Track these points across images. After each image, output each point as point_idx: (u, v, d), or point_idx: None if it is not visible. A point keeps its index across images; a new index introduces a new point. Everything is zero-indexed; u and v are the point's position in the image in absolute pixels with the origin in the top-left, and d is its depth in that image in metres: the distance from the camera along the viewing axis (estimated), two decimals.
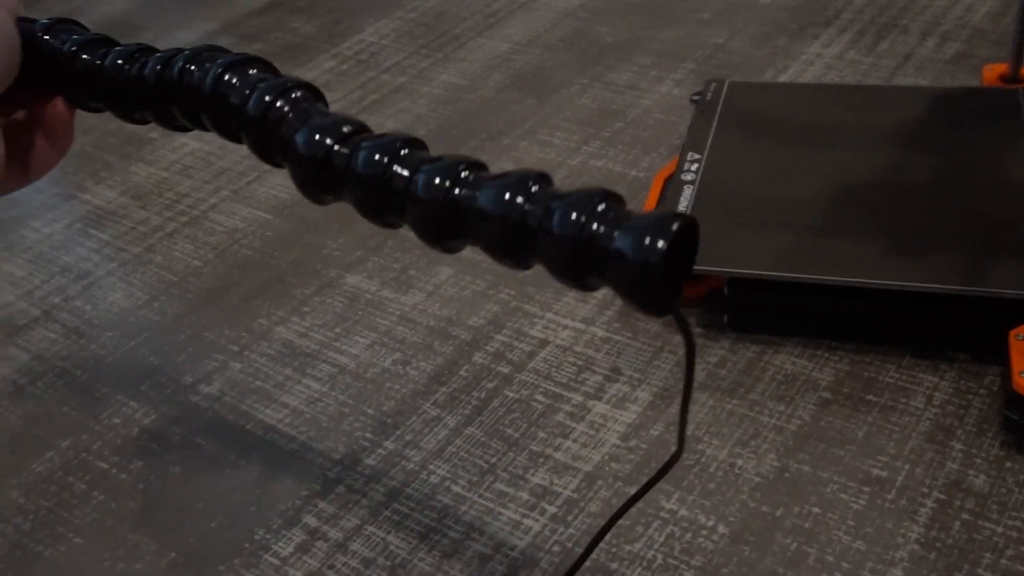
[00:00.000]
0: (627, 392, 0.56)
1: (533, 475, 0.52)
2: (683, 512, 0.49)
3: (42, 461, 0.56)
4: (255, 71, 0.39)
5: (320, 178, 0.37)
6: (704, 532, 0.48)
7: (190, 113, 0.40)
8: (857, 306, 0.56)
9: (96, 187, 0.80)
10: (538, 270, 0.65)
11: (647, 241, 0.31)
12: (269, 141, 0.38)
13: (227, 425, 0.57)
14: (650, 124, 0.79)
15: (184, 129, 0.41)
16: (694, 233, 0.33)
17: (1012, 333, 0.51)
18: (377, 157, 0.36)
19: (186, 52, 0.39)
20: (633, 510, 0.49)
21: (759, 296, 0.57)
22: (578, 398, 0.56)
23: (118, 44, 0.41)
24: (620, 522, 0.49)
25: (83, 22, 0.42)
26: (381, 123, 0.82)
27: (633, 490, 0.50)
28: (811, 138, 0.66)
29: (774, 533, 0.47)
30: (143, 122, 0.42)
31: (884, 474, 0.50)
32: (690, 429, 0.53)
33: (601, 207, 0.33)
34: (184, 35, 1.01)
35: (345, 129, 0.37)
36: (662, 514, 0.49)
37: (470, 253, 0.67)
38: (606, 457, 0.52)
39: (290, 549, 0.50)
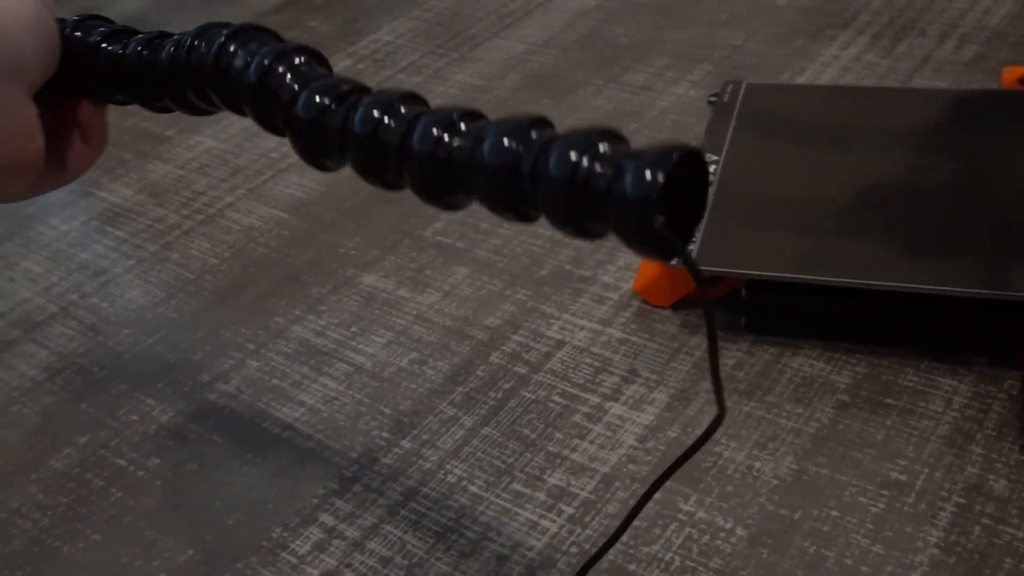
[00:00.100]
0: (644, 394, 0.56)
1: (550, 476, 0.52)
2: (701, 514, 0.49)
3: (60, 457, 0.56)
4: (256, 40, 0.39)
5: (317, 140, 0.37)
6: (722, 534, 0.48)
7: (199, 91, 0.40)
8: (875, 309, 0.56)
9: (113, 184, 0.80)
10: (553, 271, 0.65)
11: (644, 175, 0.30)
12: (268, 107, 0.38)
13: (244, 423, 0.57)
14: (666, 125, 0.79)
15: (203, 112, 0.41)
16: (700, 166, 0.32)
17: None
18: (374, 113, 0.35)
19: (195, 29, 0.40)
20: (650, 511, 0.49)
21: (777, 298, 0.57)
22: (595, 399, 0.56)
23: (140, 33, 0.42)
24: (637, 524, 0.49)
25: None
26: None
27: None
28: (829, 140, 0.66)
29: (792, 536, 0.47)
30: (167, 110, 0.42)
31: (903, 478, 0.49)
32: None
33: (598, 145, 0.32)
34: None
35: (343, 88, 0.36)
36: (680, 516, 0.49)
37: (486, 254, 0.67)
38: (623, 458, 0.52)
39: (307, 547, 0.50)
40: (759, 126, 0.68)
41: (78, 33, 0.41)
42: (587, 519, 0.49)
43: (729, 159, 0.64)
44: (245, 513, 0.52)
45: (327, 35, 0.99)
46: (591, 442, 0.53)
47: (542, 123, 0.34)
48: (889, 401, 0.54)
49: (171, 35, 0.41)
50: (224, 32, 0.39)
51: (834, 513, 0.48)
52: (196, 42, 0.39)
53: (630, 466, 0.52)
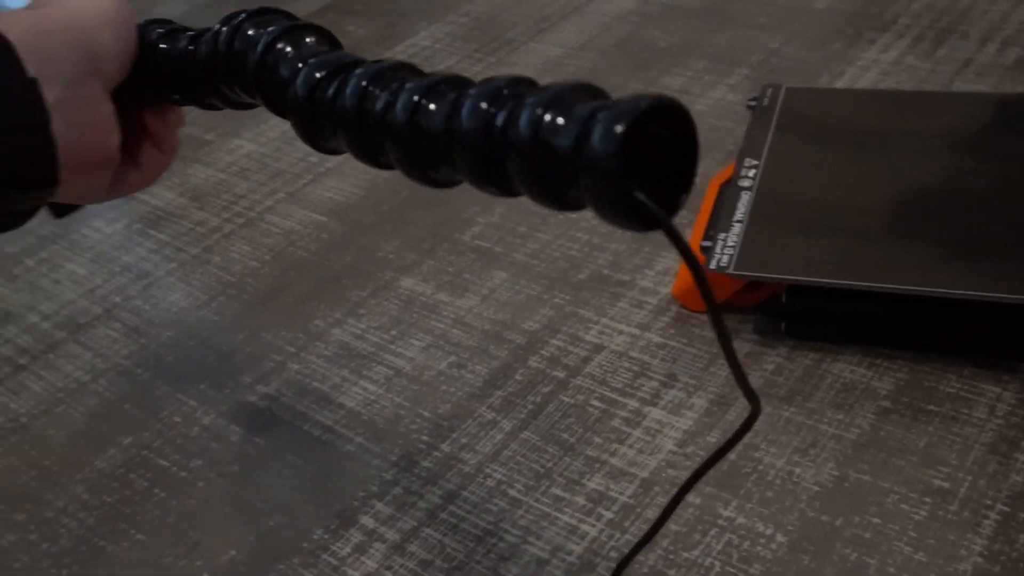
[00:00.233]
0: (683, 398, 0.56)
1: (589, 480, 0.52)
2: (741, 520, 0.49)
3: (105, 458, 0.57)
4: (268, 22, 0.39)
5: (311, 118, 0.36)
6: (762, 541, 0.48)
7: (225, 80, 0.40)
8: (917, 314, 0.56)
9: (155, 188, 0.81)
10: (592, 275, 0.65)
11: (606, 128, 0.27)
12: (271, 87, 0.38)
13: (285, 425, 0.58)
14: (704, 129, 0.78)
15: (246, 106, 0.41)
16: (684, 123, 0.29)
17: None
18: (362, 84, 0.34)
19: (224, 17, 0.40)
20: (691, 517, 0.49)
21: (817, 303, 0.57)
22: (634, 404, 0.56)
23: (191, 30, 0.42)
24: (677, 529, 0.49)
25: None
26: None
27: (690, 497, 0.50)
28: (870, 144, 0.66)
29: (833, 543, 0.47)
30: (215, 107, 0.43)
31: (946, 485, 0.49)
32: (746, 436, 0.53)
33: (565, 100, 0.29)
34: None
35: (337, 63, 0.36)
36: (720, 522, 0.49)
37: (524, 258, 0.67)
38: (662, 463, 0.52)
39: (348, 549, 0.50)
40: (799, 130, 0.68)
41: (145, 34, 0.42)
42: (627, 523, 0.49)
43: (769, 164, 0.64)
44: (286, 515, 0.52)
45: (365, 39, 1.00)
46: (630, 447, 0.53)
47: (521, 83, 0.31)
48: (931, 407, 0.53)
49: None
50: (240, 16, 0.40)
51: (876, 520, 0.48)
52: (222, 29, 0.40)
53: (669, 471, 0.52)
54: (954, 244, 0.56)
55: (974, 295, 0.52)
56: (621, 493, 0.51)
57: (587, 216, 0.70)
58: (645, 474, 0.52)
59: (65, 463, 0.57)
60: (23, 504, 0.55)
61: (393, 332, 0.63)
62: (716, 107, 0.81)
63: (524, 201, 0.66)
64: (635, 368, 0.58)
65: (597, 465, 0.53)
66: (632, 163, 0.27)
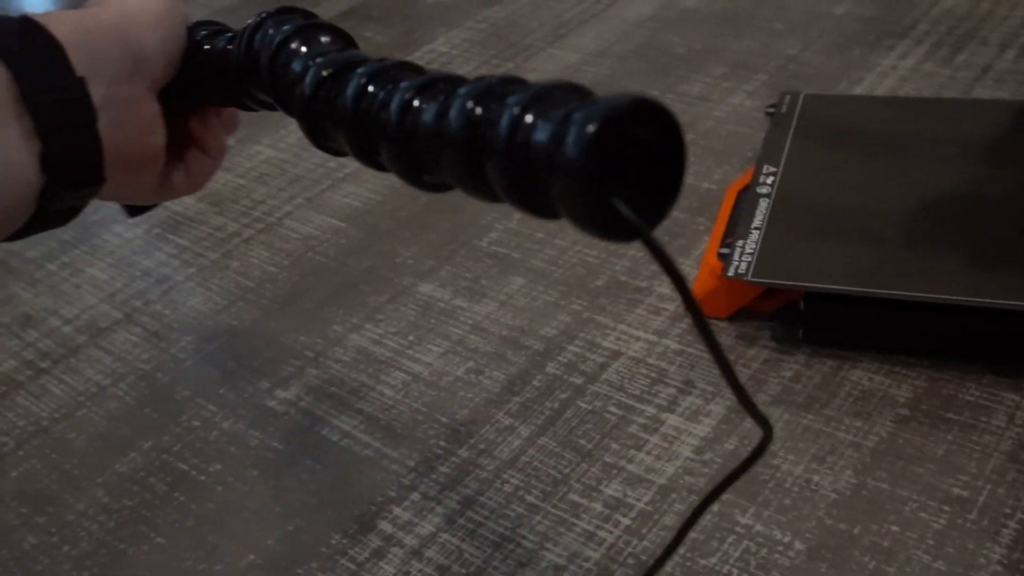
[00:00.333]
0: (700, 405, 0.56)
1: (607, 487, 0.52)
2: (758, 527, 0.49)
3: (125, 461, 0.58)
4: (288, 22, 0.39)
5: (316, 117, 0.36)
6: (780, 548, 0.48)
7: (249, 84, 0.40)
8: (936, 322, 0.55)
9: None
10: (609, 281, 0.65)
11: (578, 129, 0.25)
12: (281, 86, 0.38)
13: (303, 430, 0.58)
14: (722, 136, 0.78)
15: (270, 106, 0.42)
16: (667, 126, 0.27)
17: None
18: (362, 83, 0.34)
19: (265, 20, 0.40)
20: (708, 524, 0.49)
21: (836, 310, 0.57)
22: (651, 410, 0.56)
23: (230, 30, 0.42)
24: (695, 536, 0.49)
25: None
26: None
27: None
28: (888, 151, 0.65)
29: (852, 551, 0.47)
30: (251, 108, 0.43)
31: (965, 493, 0.49)
32: None
33: (547, 102, 0.27)
34: None
35: (344, 62, 0.35)
36: (737, 529, 0.49)
37: (542, 264, 0.68)
38: (680, 470, 0.52)
39: (366, 554, 0.50)
40: (818, 137, 0.68)
41: (192, 35, 0.42)
42: (644, 530, 0.49)
43: (787, 170, 0.64)
44: (305, 519, 0.53)
45: (384, 45, 1.00)
46: (647, 453, 0.53)
47: (510, 83, 0.30)
48: (950, 415, 0.53)
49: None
50: (262, 15, 0.40)
51: (894, 528, 0.48)
52: (246, 28, 0.40)
53: (687, 478, 0.52)
54: (973, 251, 0.56)
55: (993, 303, 0.52)
56: (638, 500, 0.51)
57: None
58: (662, 481, 0.52)
59: (86, 466, 0.58)
60: (45, 507, 0.55)
61: (411, 337, 0.63)
62: (734, 113, 0.81)
63: None
64: (652, 374, 0.58)
65: (614, 471, 0.53)
66: (607, 167, 0.26)
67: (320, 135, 0.37)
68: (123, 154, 0.38)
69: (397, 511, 0.52)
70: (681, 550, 0.48)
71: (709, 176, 0.74)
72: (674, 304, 0.63)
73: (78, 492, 0.56)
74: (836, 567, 0.46)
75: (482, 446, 0.55)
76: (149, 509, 0.55)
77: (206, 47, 0.42)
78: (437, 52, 0.97)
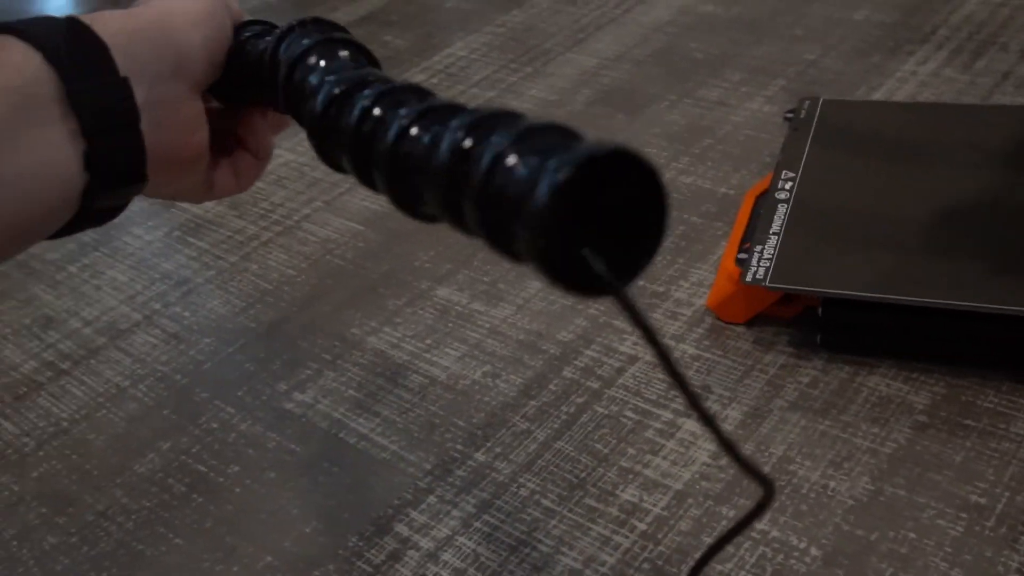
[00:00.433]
0: (717, 410, 0.56)
1: (623, 491, 0.52)
2: (775, 533, 0.49)
3: (144, 462, 0.58)
4: (309, 35, 0.39)
5: (324, 135, 0.35)
6: (796, 554, 0.48)
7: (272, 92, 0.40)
8: (954, 328, 0.55)
9: None
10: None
11: (548, 177, 0.24)
12: (295, 99, 0.38)
13: (321, 432, 0.58)
14: (740, 141, 0.78)
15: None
16: (647, 178, 0.25)
17: None
18: (365, 106, 0.33)
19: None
20: (724, 530, 0.49)
21: (854, 316, 0.57)
22: (668, 415, 0.56)
23: (266, 35, 0.41)
24: (709, 541, 0.49)
25: None
26: None
27: (724, 510, 0.50)
28: (907, 157, 0.65)
29: (869, 557, 0.47)
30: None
31: (983, 501, 0.49)
32: (781, 449, 0.53)
33: (529, 145, 0.26)
34: None
35: (357, 81, 0.35)
36: (753, 534, 0.49)
37: None
38: (696, 475, 0.52)
39: (382, 557, 0.51)
40: (836, 143, 0.68)
41: (237, 35, 0.42)
42: (660, 535, 0.50)
43: (806, 176, 0.64)
44: (322, 521, 0.53)
45: (403, 50, 1.00)
46: (664, 458, 0.53)
47: (501, 118, 0.29)
48: (968, 422, 0.53)
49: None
50: (291, 23, 0.40)
51: (911, 535, 0.48)
52: (276, 35, 0.40)
53: (703, 483, 0.52)
54: (992, 258, 0.56)
55: (1012, 310, 0.52)
56: (655, 505, 0.51)
57: None
58: (679, 486, 0.52)
59: (105, 467, 0.58)
60: (65, 507, 0.56)
61: (428, 341, 0.64)
62: (753, 118, 0.81)
63: None
64: (669, 379, 0.58)
65: (631, 476, 0.53)
66: (577, 218, 0.25)
67: (328, 153, 0.37)
68: (165, 154, 0.39)
69: (414, 514, 0.53)
70: (696, 555, 0.48)
71: (727, 181, 0.74)
72: (691, 309, 0.63)
73: (98, 493, 0.56)
74: (853, 573, 0.46)
75: (499, 449, 0.55)
76: (167, 510, 0.55)
77: (248, 48, 0.41)
78: (456, 56, 0.97)
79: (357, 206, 0.78)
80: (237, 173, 0.46)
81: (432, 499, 0.53)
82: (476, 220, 0.28)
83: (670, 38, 0.95)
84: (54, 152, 0.34)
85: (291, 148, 0.87)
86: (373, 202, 0.78)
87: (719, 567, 0.47)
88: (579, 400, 0.58)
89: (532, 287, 0.67)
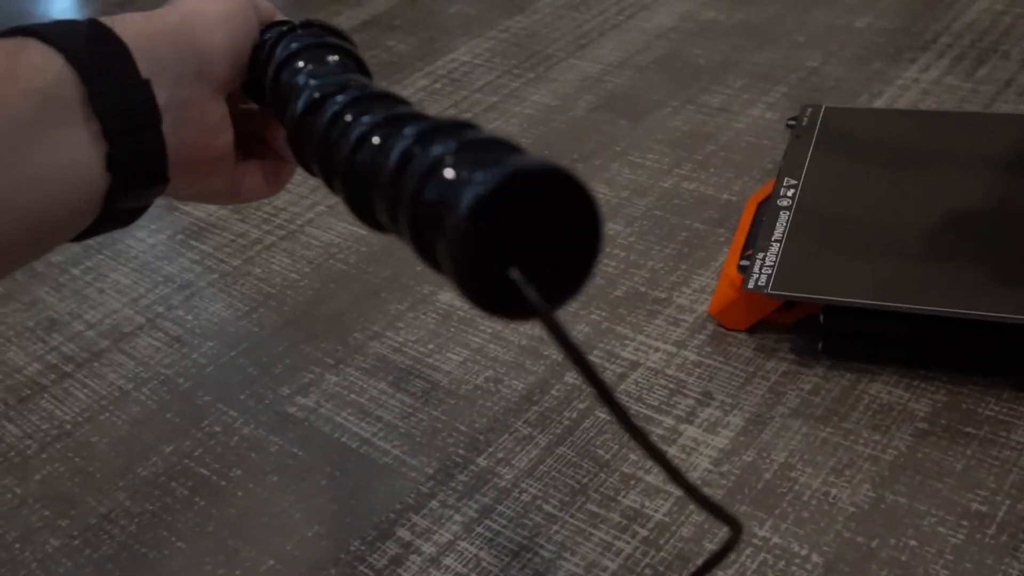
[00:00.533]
0: (719, 417, 0.56)
1: (624, 497, 0.52)
2: (776, 540, 0.49)
3: (147, 465, 0.58)
4: (298, 39, 0.39)
5: (299, 141, 0.35)
6: (797, 561, 0.48)
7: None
8: (956, 336, 0.55)
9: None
10: (628, 292, 0.65)
11: (470, 187, 0.24)
12: (282, 102, 0.37)
13: (323, 436, 0.58)
14: (742, 147, 0.79)
15: None
16: (577, 198, 0.24)
17: None
18: (335, 112, 0.33)
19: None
20: (726, 536, 0.49)
21: (855, 324, 0.57)
22: (669, 421, 0.56)
23: (286, 40, 0.41)
24: (712, 548, 0.49)
25: None
26: None
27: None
28: (909, 165, 0.65)
29: (869, 564, 0.47)
30: None
31: (984, 509, 0.49)
32: (782, 456, 0.53)
33: (460, 152, 0.25)
34: None
35: (333, 87, 0.35)
36: (755, 541, 0.49)
37: None
38: (698, 481, 0.52)
39: (384, 561, 0.51)
40: (838, 150, 0.68)
41: (266, 37, 0.41)
42: (661, 541, 0.50)
43: (808, 183, 0.64)
44: (324, 525, 0.53)
45: (405, 55, 1.01)
46: None
47: (453, 129, 0.28)
48: (969, 430, 0.53)
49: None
50: (290, 25, 0.40)
51: (912, 543, 0.48)
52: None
53: (705, 489, 0.52)
54: (993, 265, 0.56)
55: (1013, 318, 0.52)
56: (656, 510, 0.51)
57: (624, 233, 0.70)
58: (680, 492, 0.52)
59: (108, 470, 0.58)
60: (67, 510, 0.56)
61: (431, 346, 0.64)
62: (755, 125, 0.81)
63: None
64: (671, 386, 0.58)
65: (632, 482, 0.53)
66: (503, 236, 0.24)
67: (302, 157, 0.36)
68: (188, 155, 0.39)
69: (415, 518, 0.53)
70: (697, 562, 0.48)
71: (729, 188, 0.74)
72: (693, 316, 0.63)
73: (100, 495, 0.57)
74: None
75: (500, 455, 0.56)
76: (170, 513, 0.55)
77: (266, 48, 0.41)
78: (459, 61, 0.98)
79: None
80: (267, 177, 0.45)
81: (434, 504, 0.53)
82: (408, 229, 0.28)
83: (673, 44, 0.95)
84: (76, 153, 0.35)
85: None
86: None
87: (720, 574, 0.48)
88: (581, 406, 0.58)
89: None
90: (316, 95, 0.35)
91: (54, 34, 0.35)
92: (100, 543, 0.54)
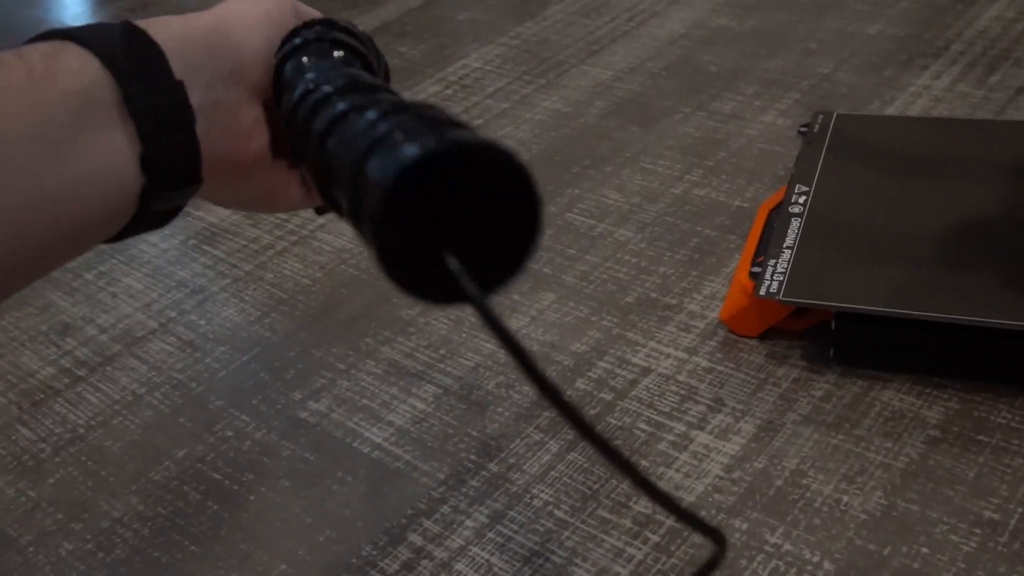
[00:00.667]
0: (730, 423, 0.56)
1: (636, 503, 0.52)
2: (788, 547, 0.49)
3: (159, 470, 0.58)
4: (302, 35, 0.39)
5: (293, 130, 0.35)
6: (809, 568, 0.48)
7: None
8: (968, 343, 0.55)
9: (209, 204, 0.83)
10: (639, 298, 0.65)
11: (386, 166, 0.22)
12: (283, 91, 0.37)
13: (335, 441, 0.59)
14: (754, 154, 0.79)
15: None
16: (516, 181, 0.23)
17: None
18: (324, 97, 0.32)
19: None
20: (737, 543, 0.49)
21: (867, 331, 0.57)
22: (681, 427, 0.56)
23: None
24: (725, 554, 0.49)
25: None
26: None
27: (737, 522, 0.50)
28: (921, 172, 0.65)
29: (881, 572, 0.47)
30: None
31: (996, 516, 0.49)
32: (794, 463, 0.53)
33: (403, 128, 0.24)
34: None
35: (326, 79, 0.34)
36: (767, 548, 0.49)
37: (573, 280, 0.68)
38: (709, 488, 0.52)
39: (396, 566, 0.51)
40: (850, 157, 0.68)
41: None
42: (673, 547, 0.50)
43: (820, 190, 0.64)
44: (336, 530, 0.53)
45: (416, 61, 1.01)
46: (677, 470, 0.54)
47: (412, 109, 0.27)
48: (982, 438, 0.53)
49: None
50: (309, 20, 0.40)
51: (924, 550, 0.48)
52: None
53: (716, 496, 0.52)
54: (1006, 273, 0.56)
55: None
56: (668, 517, 0.51)
57: (635, 239, 0.70)
58: (692, 498, 0.52)
59: (121, 474, 0.58)
60: (80, 514, 0.56)
61: (442, 351, 0.64)
62: (766, 132, 0.81)
63: (573, 223, 0.68)
64: (682, 392, 0.58)
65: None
66: (433, 216, 0.23)
67: (297, 149, 0.36)
68: (221, 157, 0.39)
69: (427, 524, 0.53)
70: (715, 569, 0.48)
71: (741, 194, 0.74)
72: (704, 322, 0.63)
73: (113, 499, 0.57)
74: None
75: (512, 460, 0.56)
76: (183, 518, 0.55)
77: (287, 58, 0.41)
78: (470, 68, 0.98)
79: None
80: (307, 183, 0.45)
81: (446, 509, 0.53)
82: (348, 208, 0.26)
83: (684, 51, 0.95)
84: (113, 155, 0.35)
85: None
86: None
87: None
88: (592, 412, 0.58)
89: (545, 299, 0.67)
90: (311, 87, 0.35)
91: (90, 37, 0.35)
92: (113, 547, 0.54)
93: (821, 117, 0.72)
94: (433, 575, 0.50)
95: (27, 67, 0.34)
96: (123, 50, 0.35)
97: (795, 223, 0.62)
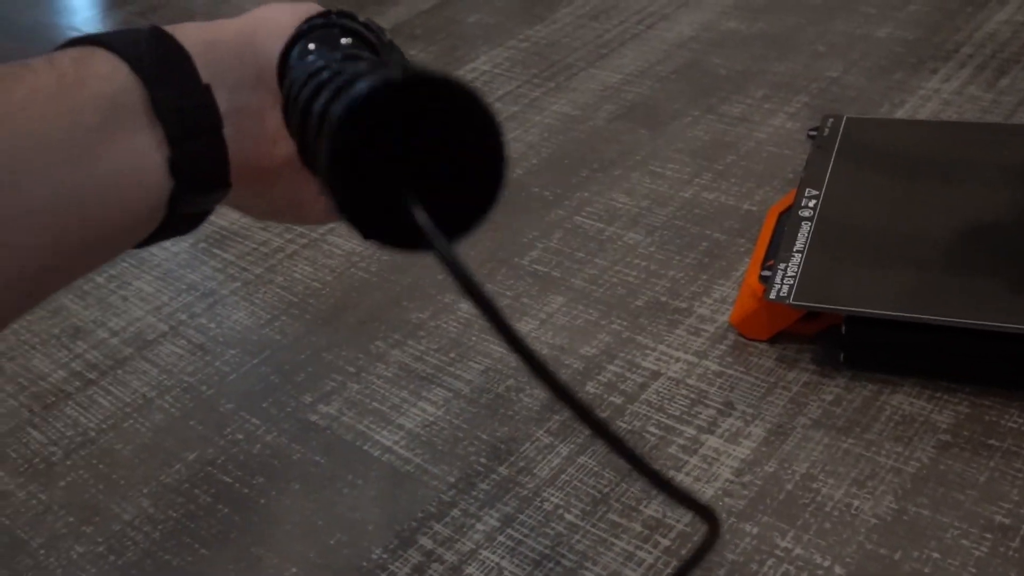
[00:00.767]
0: (740, 427, 0.56)
1: (646, 507, 0.52)
2: (798, 551, 0.49)
3: (170, 472, 0.58)
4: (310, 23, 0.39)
5: (290, 112, 0.35)
6: (820, 572, 0.48)
7: None
8: (979, 348, 0.55)
9: (220, 208, 0.82)
10: (649, 302, 0.65)
11: (352, 92, 0.22)
12: (286, 78, 0.37)
13: (345, 445, 0.59)
14: (763, 157, 0.79)
15: None
16: (480, 122, 0.23)
17: None
18: (311, 75, 0.32)
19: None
20: (747, 547, 0.49)
21: (877, 335, 0.57)
22: (691, 431, 0.56)
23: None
24: (734, 559, 0.49)
25: None
26: None
27: (747, 527, 0.50)
28: (931, 176, 0.65)
29: None
30: None
31: (1007, 521, 0.49)
32: (804, 467, 0.53)
33: (366, 72, 0.24)
34: None
35: (331, 59, 0.34)
36: (777, 552, 0.49)
37: (582, 283, 0.68)
38: (719, 492, 0.52)
39: (407, 570, 0.51)
40: (860, 161, 0.68)
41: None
42: (683, 551, 0.50)
43: (829, 194, 0.64)
44: (347, 533, 0.53)
45: (426, 63, 1.01)
46: (687, 474, 0.54)
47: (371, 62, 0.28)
48: (992, 442, 0.53)
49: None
50: (324, 10, 0.40)
51: (935, 555, 0.48)
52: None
53: (726, 499, 0.52)
54: (1016, 277, 0.56)
55: None
56: (678, 520, 0.51)
57: (644, 243, 0.70)
58: (702, 502, 0.52)
59: (132, 477, 0.59)
60: (91, 517, 0.56)
61: (452, 354, 0.64)
62: (775, 135, 0.81)
63: (582, 226, 0.68)
64: (692, 396, 0.58)
65: (654, 492, 0.53)
66: (391, 157, 0.22)
67: (293, 127, 0.36)
68: (248, 162, 0.39)
69: (437, 527, 0.53)
70: (720, 572, 0.48)
71: (750, 197, 0.74)
72: (714, 326, 0.63)
73: (124, 502, 0.57)
74: None
75: (522, 464, 0.56)
76: (193, 520, 0.55)
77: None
78: (479, 70, 0.98)
79: None
80: None
81: (456, 512, 0.54)
82: (313, 155, 0.26)
83: (693, 54, 0.95)
84: (142, 159, 0.35)
85: None
86: None
87: None
88: (602, 415, 0.58)
89: (554, 302, 0.67)
90: (314, 68, 0.35)
91: (118, 43, 0.36)
92: (124, 550, 0.54)
93: (831, 120, 0.72)
94: None
95: (57, 73, 0.34)
96: (151, 55, 0.35)
97: (805, 227, 0.62)
